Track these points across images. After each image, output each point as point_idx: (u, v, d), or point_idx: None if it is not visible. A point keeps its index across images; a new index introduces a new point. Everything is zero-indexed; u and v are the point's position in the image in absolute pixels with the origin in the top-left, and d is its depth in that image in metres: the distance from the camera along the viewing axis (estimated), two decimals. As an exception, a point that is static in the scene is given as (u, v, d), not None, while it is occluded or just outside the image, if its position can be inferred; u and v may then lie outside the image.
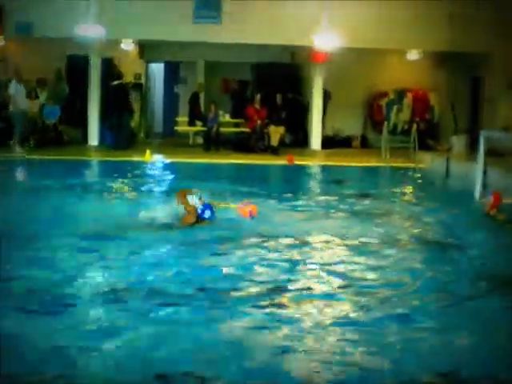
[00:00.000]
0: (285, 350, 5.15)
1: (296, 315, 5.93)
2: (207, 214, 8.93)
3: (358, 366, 4.95)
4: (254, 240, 8.53)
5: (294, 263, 7.58)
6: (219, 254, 7.89)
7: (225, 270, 7.27)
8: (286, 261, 7.66)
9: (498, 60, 21.05)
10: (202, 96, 23.04)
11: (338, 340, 5.42)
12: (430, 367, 4.93)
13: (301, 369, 4.88)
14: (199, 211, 8.93)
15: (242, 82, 24.61)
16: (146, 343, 5.23)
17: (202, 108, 22.71)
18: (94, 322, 5.62)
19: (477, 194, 12.88)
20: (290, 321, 5.77)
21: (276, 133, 21.37)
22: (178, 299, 6.20)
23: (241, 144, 21.70)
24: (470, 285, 6.92)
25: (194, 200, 8.96)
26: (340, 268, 7.46)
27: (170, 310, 5.95)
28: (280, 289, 6.64)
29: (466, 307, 6.30)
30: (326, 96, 22.52)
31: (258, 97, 21.77)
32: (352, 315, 5.97)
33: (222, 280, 6.90)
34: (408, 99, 23.66)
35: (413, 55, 23.04)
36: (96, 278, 6.90)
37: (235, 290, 6.57)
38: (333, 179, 16.04)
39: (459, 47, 20.41)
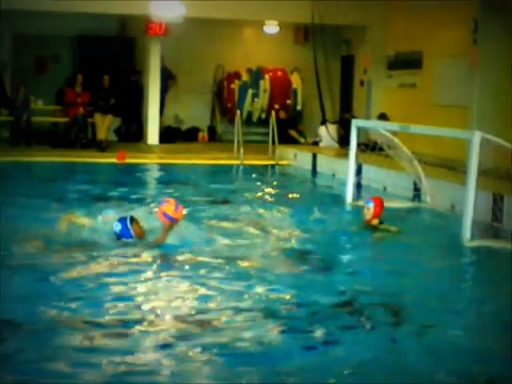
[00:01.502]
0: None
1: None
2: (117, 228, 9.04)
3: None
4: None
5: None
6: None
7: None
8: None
9: (373, 34, 21.38)
10: (6, 77, 22.41)
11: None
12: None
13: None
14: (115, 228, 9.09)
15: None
16: None
17: (8, 92, 22.12)
18: None
19: (348, 197, 12.99)
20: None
21: (103, 123, 21.08)
22: None
23: (58, 138, 21.33)
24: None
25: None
26: (168, 294, 7.50)
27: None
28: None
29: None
30: (165, 77, 22.31)
31: (80, 78, 21.41)
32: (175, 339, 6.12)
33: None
34: (265, 81, 23.26)
35: (270, 28, 23.21)
36: None
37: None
38: (172, 181, 16.06)
39: (325, 18, 20.36)
